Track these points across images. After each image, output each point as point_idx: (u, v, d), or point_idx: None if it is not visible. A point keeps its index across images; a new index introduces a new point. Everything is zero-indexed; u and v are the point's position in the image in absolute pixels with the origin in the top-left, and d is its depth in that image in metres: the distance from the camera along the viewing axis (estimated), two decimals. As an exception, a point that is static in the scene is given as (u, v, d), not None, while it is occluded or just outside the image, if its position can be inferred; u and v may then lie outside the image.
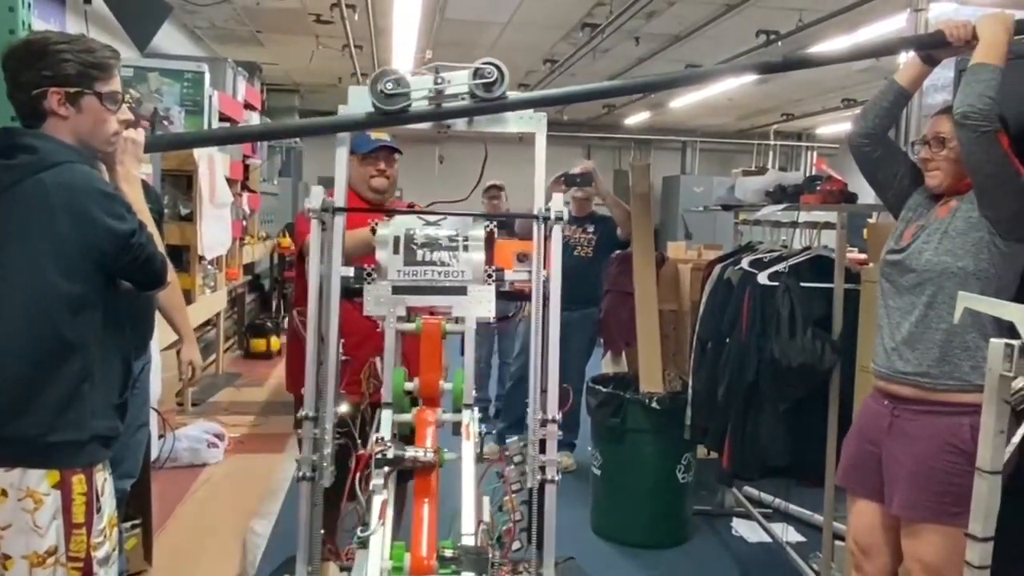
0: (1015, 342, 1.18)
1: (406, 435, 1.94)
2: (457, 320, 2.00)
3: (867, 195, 2.61)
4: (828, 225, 3.35)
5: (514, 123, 2.08)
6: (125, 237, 1.67)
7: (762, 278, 3.11)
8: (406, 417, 1.95)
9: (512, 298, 2.08)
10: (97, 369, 1.68)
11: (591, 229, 4.70)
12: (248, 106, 7.14)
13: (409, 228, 2.04)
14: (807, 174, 3.36)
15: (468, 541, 1.70)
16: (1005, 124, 2.03)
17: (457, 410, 1.96)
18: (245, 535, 3.64)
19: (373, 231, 2.06)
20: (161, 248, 1.80)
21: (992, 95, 1.97)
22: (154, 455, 4.02)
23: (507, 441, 1.95)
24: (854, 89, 9.38)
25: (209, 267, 5.88)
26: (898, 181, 2.28)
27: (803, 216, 3.45)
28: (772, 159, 13.08)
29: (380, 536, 1.67)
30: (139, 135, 1.86)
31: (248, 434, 5.17)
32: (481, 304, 1.98)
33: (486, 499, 1.85)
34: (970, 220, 2.07)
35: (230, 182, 6.31)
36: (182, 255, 5.30)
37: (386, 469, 1.74)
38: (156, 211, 2.77)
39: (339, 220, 2.01)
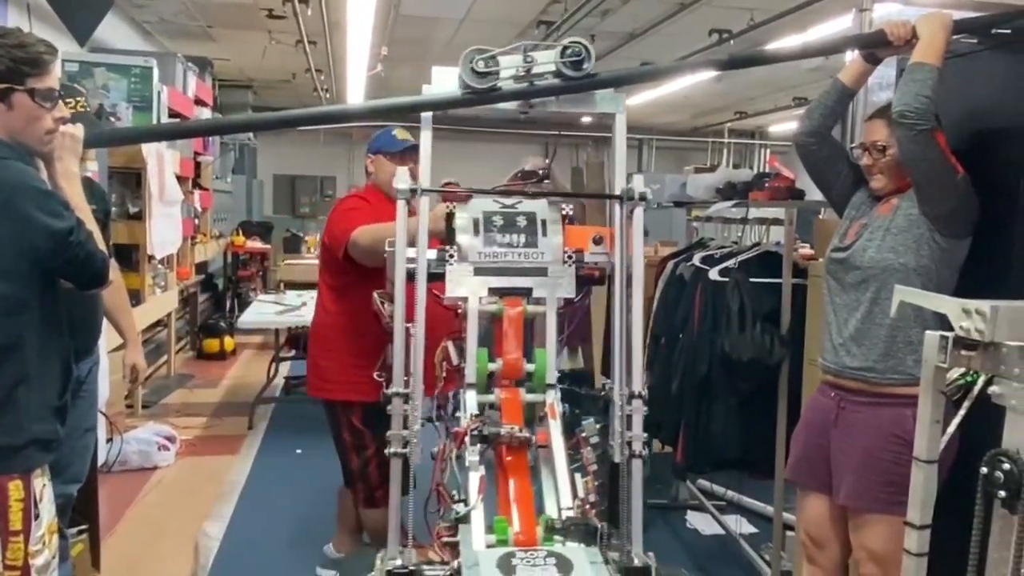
0: (949, 334, 1.21)
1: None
2: (537, 301, 2.00)
3: (815, 191, 2.66)
4: (777, 221, 3.41)
5: (598, 102, 2.07)
6: (62, 235, 1.63)
7: (713, 274, 3.15)
8: (490, 397, 1.95)
9: (582, 283, 2.07)
10: (34, 371, 1.64)
11: None
12: (199, 102, 7.03)
13: (487, 210, 2.04)
14: (758, 171, 3.41)
15: (568, 516, 1.71)
16: (941, 122, 2.08)
17: (540, 390, 1.96)
18: (197, 538, 3.58)
19: (451, 214, 2.06)
20: (102, 246, 1.76)
21: (928, 94, 2.01)
22: (101, 459, 3.93)
23: (583, 422, 1.95)
24: (804, 88, 9.55)
25: (159, 266, 5.77)
26: (842, 180, 2.33)
27: (753, 212, 3.49)
28: (727, 157, 13.27)
29: (480, 511, 1.71)
30: (78, 130, 1.81)
31: (201, 436, 5.09)
32: (562, 284, 1.98)
33: (578, 476, 1.83)
34: (911, 217, 2.12)
35: (181, 180, 6.21)
36: (131, 254, 5.19)
37: (479, 446, 1.77)
38: (103, 210, 2.72)
39: (424, 201, 1.99)
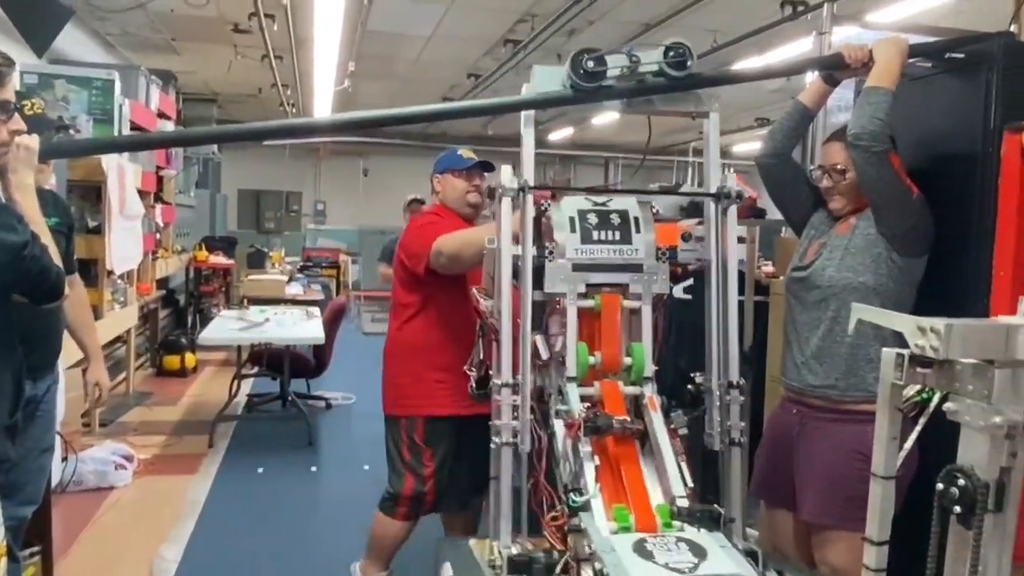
0: (905, 352, 1.23)
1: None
2: (633, 296, 2.04)
3: (777, 211, 2.69)
4: (740, 240, 3.44)
5: (692, 102, 2.13)
6: (16, 249, 1.59)
7: (677, 291, 3.15)
8: (590, 390, 1.98)
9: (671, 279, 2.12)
10: (-18, 389, 1.59)
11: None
12: (162, 115, 6.95)
13: (581, 208, 2.07)
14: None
15: (682, 504, 1.78)
16: (895, 144, 2.12)
17: (638, 383, 2.00)
18: (154, 561, 3.49)
19: (542, 213, 2.08)
20: (57, 260, 1.72)
21: (883, 117, 2.05)
22: (56, 478, 3.83)
23: (671, 415, 1.99)
24: (767, 108, 9.72)
25: (119, 282, 5.66)
26: (802, 200, 2.37)
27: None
28: (691, 175, 13.43)
29: (599, 500, 1.76)
30: (33, 142, 1.77)
31: (159, 455, 4.98)
32: (657, 280, 2.02)
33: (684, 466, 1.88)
34: (868, 237, 2.16)
35: (143, 194, 6.12)
36: (90, 269, 5.09)
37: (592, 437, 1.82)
38: (66, 224, 2.66)
39: (530, 198, 2.02)
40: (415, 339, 2.79)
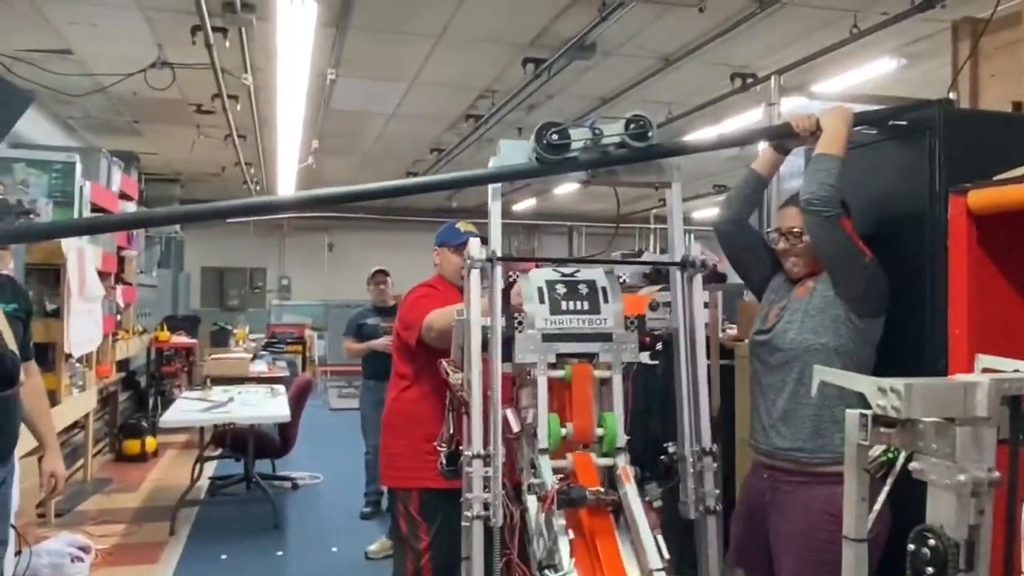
0: (869, 412, 1.25)
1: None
2: (603, 366, 2.04)
3: (737, 274, 2.74)
4: (704, 304, 3.47)
5: (654, 172, 2.19)
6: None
7: (644, 357, 3.16)
8: (563, 463, 1.95)
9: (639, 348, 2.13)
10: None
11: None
12: (124, 196, 6.92)
13: (550, 279, 2.09)
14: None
15: None
16: (847, 209, 2.19)
17: (611, 454, 1.98)
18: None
19: (510, 284, 2.11)
20: (13, 346, 1.68)
21: (832, 182, 2.12)
22: (9, 574, 3.65)
23: (645, 487, 1.96)
24: (723, 175, 9.98)
25: (77, 365, 5.54)
26: (761, 264, 2.41)
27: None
28: (653, 242, 13.63)
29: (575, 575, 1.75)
30: None
31: (119, 544, 4.79)
32: (626, 349, 2.03)
33: (660, 538, 1.85)
34: (827, 298, 2.20)
35: (103, 275, 6.04)
36: (47, 353, 4.97)
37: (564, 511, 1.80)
38: (24, 310, 2.61)
39: (499, 269, 2.04)
40: (410, 409, 2.78)
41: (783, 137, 2.30)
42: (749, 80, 5.82)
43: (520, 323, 2.03)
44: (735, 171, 8.87)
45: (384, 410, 2.93)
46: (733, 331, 3.76)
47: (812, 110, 2.30)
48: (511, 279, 2.13)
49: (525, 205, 12.73)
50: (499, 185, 2.13)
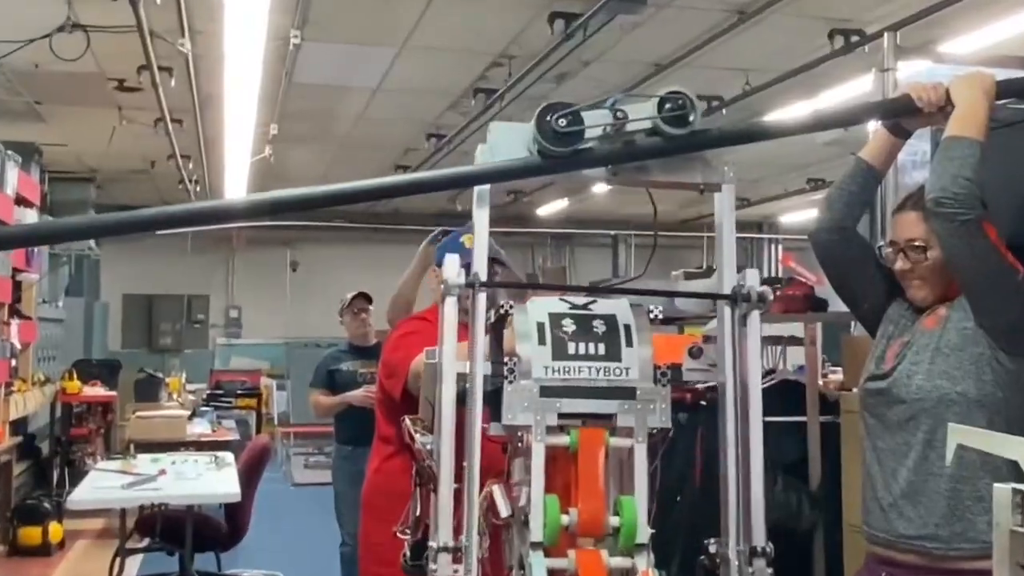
0: (1025, 487, 1.23)
1: None
2: (622, 432, 2.00)
3: (841, 300, 2.73)
4: (795, 341, 3.47)
5: (699, 169, 2.16)
6: None
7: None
8: (562, 562, 1.90)
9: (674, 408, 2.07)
10: None
11: None
12: (21, 201, 7.02)
13: (553, 312, 2.06)
14: (769, 274, 3.50)
15: None
16: (988, 210, 2.16)
17: (629, 552, 1.93)
18: None
19: (502, 316, 2.08)
20: None
21: (970, 175, 2.09)
22: None
23: None
24: (821, 167, 9.97)
25: (-42, 428, 5.60)
26: (873, 287, 2.39)
27: (764, 330, 3.55)
28: (727, 256, 13.65)
29: None
30: None
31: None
32: (654, 410, 1.98)
33: None
34: (965, 332, 2.18)
35: (-8, 306, 6.12)
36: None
37: None
38: None
39: (482, 297, 2.03)
40: (397, 485, 2.75)
41: (900, 114, 2.29)
42: (854, 39, 5.82)
43: (512, 370, 2.00)
44: (837, 161, 8.86)
45: (364, 485, 2.93)
46: (837, 376, 3.75)
47: (940, 78, 2.29)
48: (503, 310, 2.11)
49: (553, 208, 12.77)
50: (486, 188, 2.11)
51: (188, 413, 8.45)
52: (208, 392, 11.30)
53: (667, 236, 14.06)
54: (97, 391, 8.90)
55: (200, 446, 7.23)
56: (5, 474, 7.31)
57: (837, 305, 3.08)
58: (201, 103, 7.22)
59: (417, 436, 2.17)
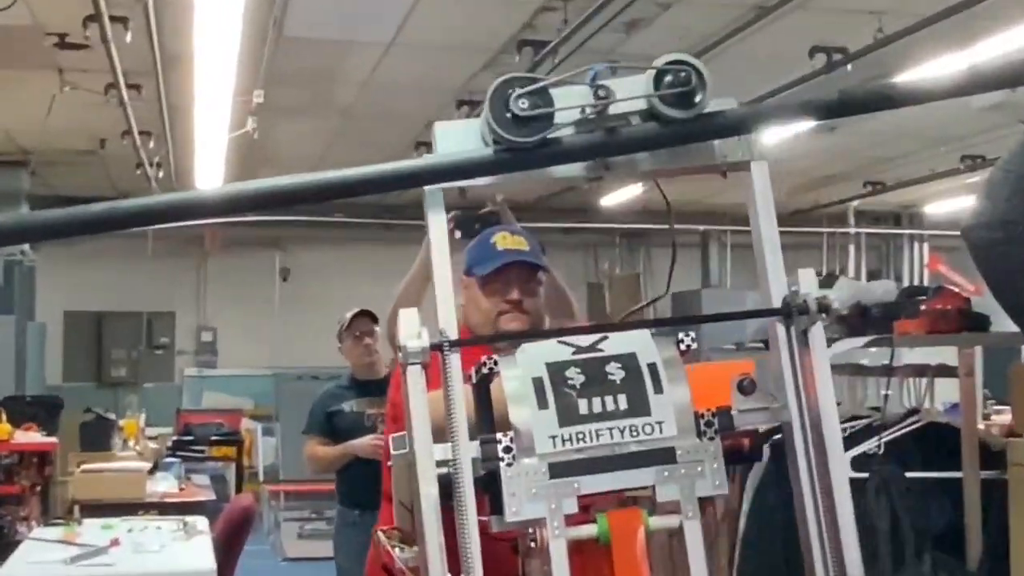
0: None
1: None
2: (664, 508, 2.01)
3: (1008, 317, 2.70)
4: (947, 371, 3.43)
5: (717, 147, 2.18)
6: None
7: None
8: None
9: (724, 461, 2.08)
10: None
11: None
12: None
13: (553, 361, 2.08)
14: (911, 282, 3.48)
15: None
16: None
17: None
18: None
19: (485, 379, 2.11)
20: None
21: None
22: None
23: None
24: (979, 140, 9.83)
25: None
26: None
27: (904, 356, 3.53)
28: (854, 259, 13.47)
29: None
30: None
31: None
32: (703, 472, 2.00)
33: None
34: None
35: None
36: None
37: None
38: None
39: (455, 361, 2.04)
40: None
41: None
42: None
43: (509, 448, 2.00)
44: (1001, 132, 8.74)
45: (367, 560, 2.94)
46: (1003, 417, 3.70)
47: None
48: (487, 368, 2.11)
49: (622, 197, 12.69)
50: (438, 190, 2.14)
51: (148, 466, 8.49)
52: (174, 438, 11.37)
53: (797, 231, 13.91)
54: (31, 437, 8.93)
55: (164, 509, 7.25)
56: (-86, 545, 7.39)
57: (1002, 322, 3.05)
58: (165, 64, 7.28)
59: (395, 553, 2.18)
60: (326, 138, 10.22)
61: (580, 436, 2.00)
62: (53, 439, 9.28)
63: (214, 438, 11.61)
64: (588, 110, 2.05)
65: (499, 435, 2.00)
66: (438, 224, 2.13)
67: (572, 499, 1.97)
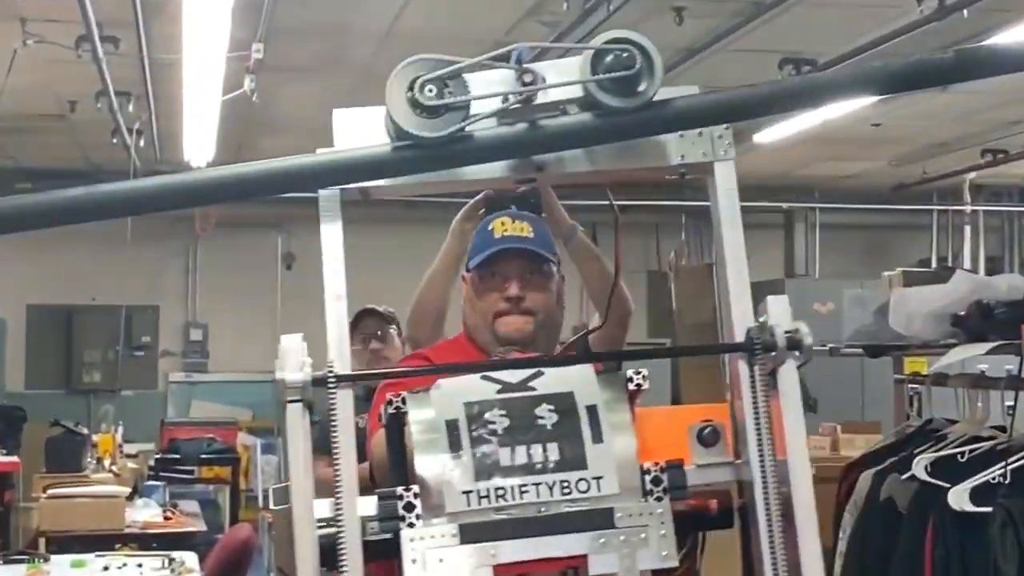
0: None
1: None
2: None
3: None
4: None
5: (673, 143, 2.17)
6: None
7: (958, 497, 3.18)
8: None
9: (684, 526, 2.08)
10: None
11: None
12: None
13: (471, 401, 2.07)
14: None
15: None
16: None
17: None
18: None
19: (396, 416, 2.12)
20: None
21: None
22: None
23: None
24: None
25: None
26: None
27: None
28: (969, 243, 13.37)
29: None
30: None
31: None
32: (647, 540, 1.98)
33: None
34: None
35: None
36: None
37: None
38: None
39: (346, 399, 2.07)
40: None
41: None
42: None
43: (411, 505, 1.99)
44: None
45: None
46: None
47: None
48: (394, 407, 2.12)
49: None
50: (334, 194, 2.16)
51: (127, 491, 8.55)
52: (157, 456, 11.42)
53: (873, 211, 13.88)
54: None
55: (146, 542, 7.32)
56: None
57: None
58: (146, 13, 7.32)
59: None
60: (337, 100, 10.11)
61: (500, 493, 1.99)
62: (14, 458, 9.38)
63: (204, 456, 11.65)
64: (511, 99, 2.05)
65: (400, 489, 2.00)
66: (332, 235, 2.21)
67: (487, 570, 1.96)
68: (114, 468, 9.70)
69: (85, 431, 10.30)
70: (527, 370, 2.11)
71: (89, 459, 9.74)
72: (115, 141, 10.34)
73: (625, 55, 2.03)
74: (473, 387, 2.10)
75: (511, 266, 2.98)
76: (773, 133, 10.62)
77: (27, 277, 13.61)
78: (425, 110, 2.03)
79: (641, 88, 2.04)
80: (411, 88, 2.04)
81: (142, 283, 14.33)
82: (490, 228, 3.03)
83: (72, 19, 7.31)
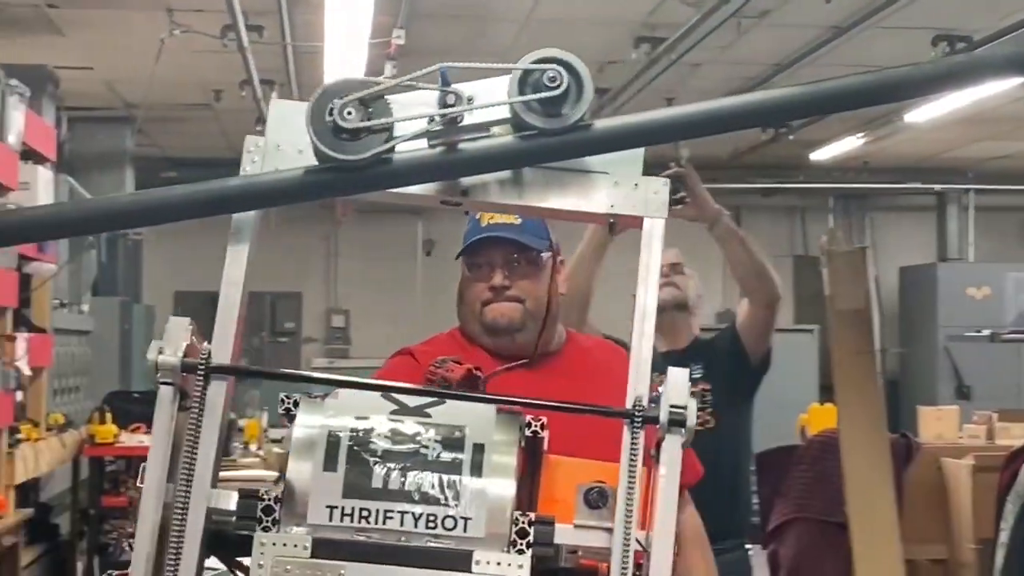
0: None
1: None
2: None
3: None
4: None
5: (608, 193, 2.15)
6: None
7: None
8: None
9: None
10: None
11: (698, 371, 4.58)
12: (30, 154, 7.19)
13: (362, 418, 2.08)
14: None
15: None
16: None
17: None
18: None
19: (283, 413, 2.11)
20: None
21: None
22: None
23: None
24: None
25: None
26: None
27: None
28: None
29: None
30: None
31: None
32: None
33: None
34: None
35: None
36: None
37: None
38: None
39: (217, 390, 2.07)
40: None
41: None
42: None
43: (270, 508, 1.98)
44: None
45: None
46: None
47: None
48: (284, 407, 2.11)
49: (838, 149, 12.49)
50: (250, 218, 2.18)
51: (275, 475, 8.57)
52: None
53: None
54: (139, 439, 9.05)
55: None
56: (9, 564, 7.47)
57: None
58: (290, 1, 7.42)
59: None
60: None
61: (364, 514, 1.98)
62: (164, 441, 9.44)
63: (349, 441, 11.71)
64: (436, 120, 2.04)
65: (263, 491, 2.00)
66: (237, 257, 2.24)
67: None
68: (260, 452, 9.77)
69: (233, 416, 10.40)
70: (436, 397, 2.12)
71: (236, 444, 9.83)
72: (259, 129, 10.30)
73: (552, 75, 2.03)
74: (368, 404, 2.10)
75: (496, 255, 2.97)
76: (924, 113, 10.44)
77: (175, 264, 13.81)
78: (347, 132, 2.04)
79: (566, 110, 2.04)
80: (330, 112, 2.03)
81: (285, 270, 14.43)
82: (477, 217, 2.97)
83: (217, 8, 7.43)
